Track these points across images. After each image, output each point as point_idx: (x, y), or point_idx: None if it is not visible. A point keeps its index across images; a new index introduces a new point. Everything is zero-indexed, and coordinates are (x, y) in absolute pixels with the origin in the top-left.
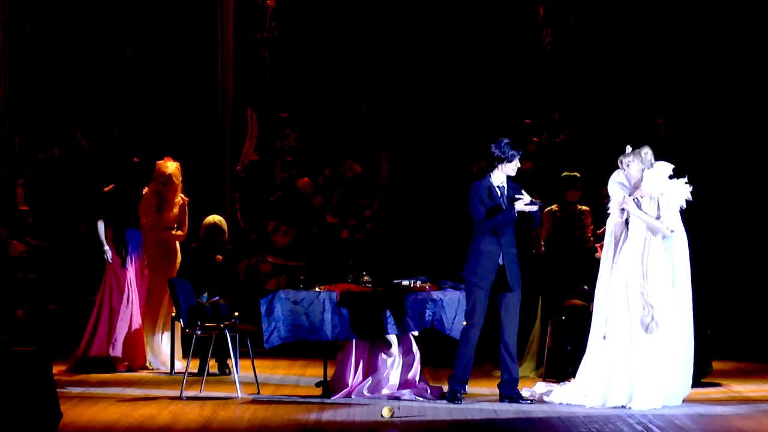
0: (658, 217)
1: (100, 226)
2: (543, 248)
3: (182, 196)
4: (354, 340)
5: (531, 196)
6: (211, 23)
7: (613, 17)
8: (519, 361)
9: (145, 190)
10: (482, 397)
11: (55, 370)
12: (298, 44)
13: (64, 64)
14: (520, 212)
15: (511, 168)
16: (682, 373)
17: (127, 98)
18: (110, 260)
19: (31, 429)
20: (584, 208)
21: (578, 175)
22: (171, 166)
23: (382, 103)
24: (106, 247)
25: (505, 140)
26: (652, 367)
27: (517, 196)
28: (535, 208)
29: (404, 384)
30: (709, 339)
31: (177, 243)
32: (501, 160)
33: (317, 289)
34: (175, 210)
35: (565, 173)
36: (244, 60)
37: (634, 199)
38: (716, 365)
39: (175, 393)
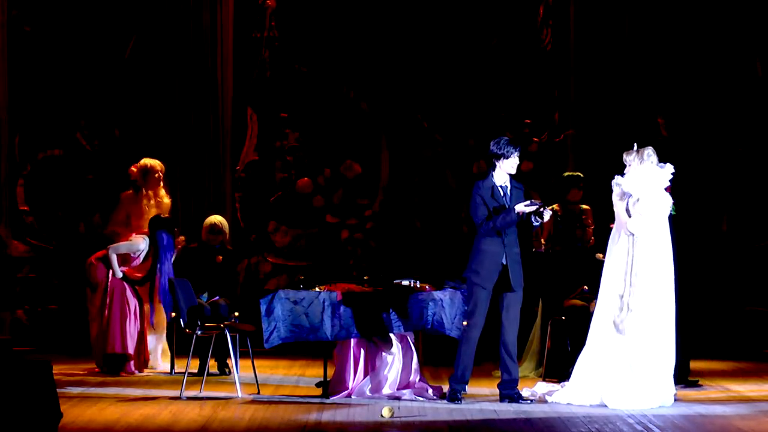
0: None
1: (113, 257)
2: (543, 247)
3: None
4: (352, 340)
5: (531, 195)
6: (211, 23)
7: (613, 17)
8: (519, 361)
9: (129, 193)
10: (482, 397)
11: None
12: (298, 44)
13: (64, 64)
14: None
15: (509, 165)
16: (669, 374)
17: (127, 98)
18: (119, 276)
19: (31, 429)
20: (585, 207)
21: (581, 175)
22: (158, 164)
23: (382, 102)
24: (119, 274)
25: (504, 138)
26: (644, 367)
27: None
28: (533, 208)
29: (404, 384)
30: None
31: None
32: (498, 157)
33: (317, 289)
34: (166, 201)
35: (567, 173)
36: (244, 60)
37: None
38: (717, 365)
39: (175, 393)
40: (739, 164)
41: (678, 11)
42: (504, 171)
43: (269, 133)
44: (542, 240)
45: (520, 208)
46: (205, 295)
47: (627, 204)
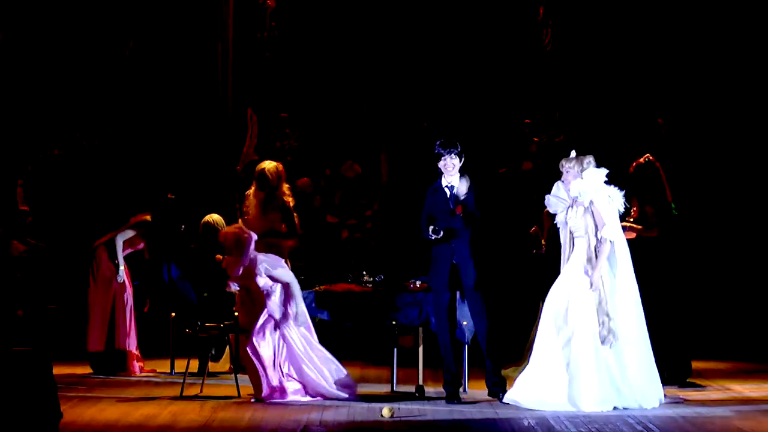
0: (595, 226)
1: (119, 242)
2: (543, 248)
3: (286, 198)
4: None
5: (456, 209)
6: (211, 23)
7: (613, 17)
8: (519, 361)
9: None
10: (482, 397)
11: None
12: (298, 44)
13: (64, 64)
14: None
15: (442, 166)
16: (645, 375)
17: (127, 98)
18: (122, 280)
19: (31, 429)
20: None
21: None
22: (266, 164)
23: (382, 103)
24: (122, 267)
25: (440, 140)
26: (593, 368)
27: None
28: (437, 236)
29: (340, 384)
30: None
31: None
32: (437, 159)
33: (317, 289)
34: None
35: None
36: (244, 60)
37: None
38: (717, 365)
39: (175, 393)
40: (739, 164)
41: (678, 12)
42: (443, 173)
43: (269, 133)
44: (543, 241)
45: (429, 232)
46: (206, 295)
47: (567, 213)
